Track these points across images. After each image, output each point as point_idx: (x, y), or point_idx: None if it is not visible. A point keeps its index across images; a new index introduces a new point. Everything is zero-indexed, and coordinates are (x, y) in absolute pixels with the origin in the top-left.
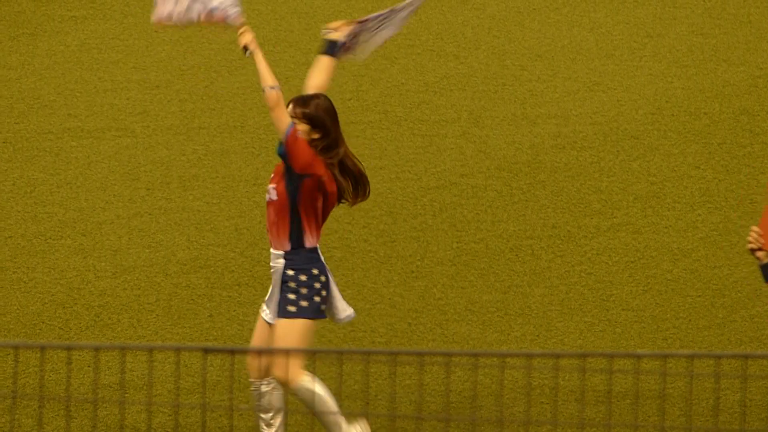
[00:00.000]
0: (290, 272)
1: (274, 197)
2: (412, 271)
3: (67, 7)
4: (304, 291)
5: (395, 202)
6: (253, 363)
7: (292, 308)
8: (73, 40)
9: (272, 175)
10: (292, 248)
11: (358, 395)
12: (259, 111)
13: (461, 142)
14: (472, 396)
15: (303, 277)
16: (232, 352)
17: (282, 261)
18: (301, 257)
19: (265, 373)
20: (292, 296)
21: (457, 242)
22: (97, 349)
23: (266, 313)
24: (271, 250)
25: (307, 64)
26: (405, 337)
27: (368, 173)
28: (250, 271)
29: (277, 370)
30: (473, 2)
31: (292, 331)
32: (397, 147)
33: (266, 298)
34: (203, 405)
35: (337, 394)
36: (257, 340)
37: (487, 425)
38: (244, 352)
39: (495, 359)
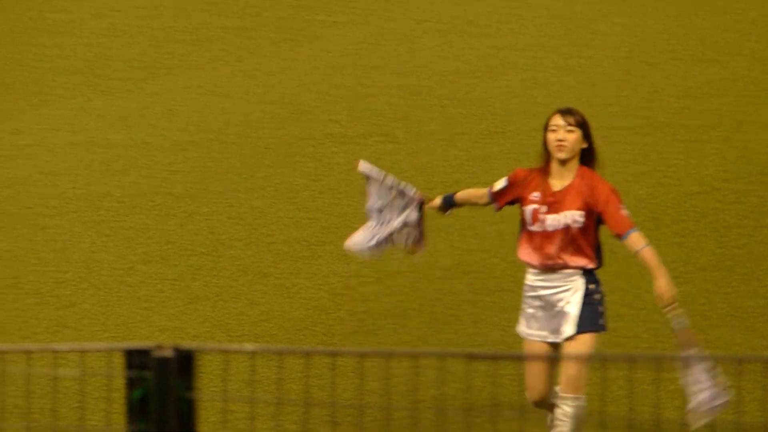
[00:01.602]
0: (592, 286)
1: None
2: (676, 277)
3: (328, 12)
4: (604, 304)
5: (657, 207)
6: (537, 387)
7: (602, 321)
8: (334, 45)
9: (541, 205)
10: (595, 265)
11: (622, 401)
12: (521, 116)
13: (723, 148)
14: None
15: (600, 291)
16: (496, 358)
17: (576, 279)
18: (595, 273)
19: (545, 395)
20: (601, 309)
21: (720, 247)
22: (361, 356)
23: (534, 335)
24: (546, 269)
25: (567, 69)
26: (669, 342)
27: (630, 179)
28: (513, 277)
29: (572, 382)
30: (733, 8)
31: (593, 344)
32: (659, 152)
33: (528, 321)
34: (466, 411)
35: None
36: (536, 367)
37: None
38: (508, 358)
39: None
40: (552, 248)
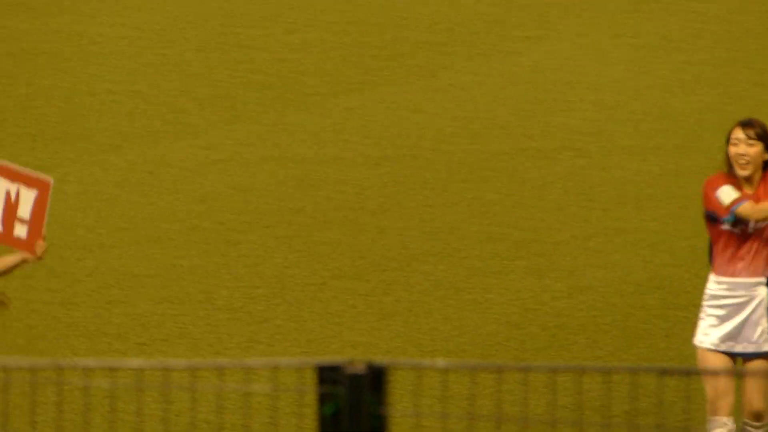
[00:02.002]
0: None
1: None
2: None
3: (521, 27)
4: None
5: None
6: (726, 400)
7: None
8: (527, 60)
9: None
10: None
11: None
12: (714, 131)
13: None
14: None
15: None
16: (689, 373)
17: (762, 288)
18: None
19: (729, 409)
20: None
21: None
22: (553, 371)
23: (716, 345)
24: (735, 279)
25: (762, 84)
26: None
27: None
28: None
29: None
30: None
31: None
32: None
33: (715, 331)
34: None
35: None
36: (723, 379)
37: None
38: (701, 373)
39: None
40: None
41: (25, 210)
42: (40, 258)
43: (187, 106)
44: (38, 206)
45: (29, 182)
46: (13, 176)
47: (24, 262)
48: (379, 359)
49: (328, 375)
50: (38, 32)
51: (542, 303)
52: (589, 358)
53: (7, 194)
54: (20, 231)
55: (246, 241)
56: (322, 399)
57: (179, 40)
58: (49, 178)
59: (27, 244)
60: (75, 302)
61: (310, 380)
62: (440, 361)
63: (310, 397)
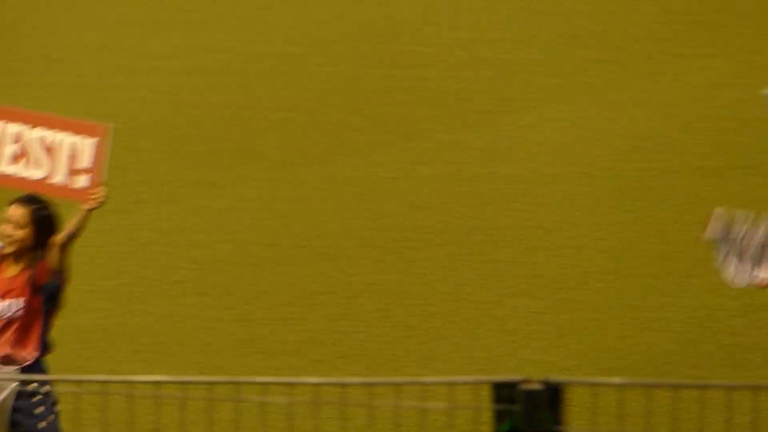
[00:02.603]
0: None
1: None
2: None
3: (692, 45)
4: None
5: None
6: None
7: None
8: (699, 78)
9: None
10: None
11: None
12: None
13: None
14: None
15: None
16: None
17: None
18: None
19: None
20: None
21: None
22: (730, 389)
23: None
24: None
25: None
26: None
27: None
28: None
29: None
30: None
31: None
32: None
33: None
34: None
35: None
36: None
37: None
38: None
39: None
40: None
41: (85, 160)
42: (95, 205)
43: (360, 124)
44: (98, 153)
45: (89, 131)
46: (73, 128)
47: (87, 212)
48: (555, 377)
49: (504, 393)
50: (212, 50)
51: (718, 321)
52: (765, 376)
53: (72, 147)
54: (82, 182)
55: (421, 258)
56: (499, 417)
57: (353, 58)
58: (108, 125)
59: (85, 194)
60: (251, 319)
61: (486, 398)
62: (616, 379)
63: (486, 414)
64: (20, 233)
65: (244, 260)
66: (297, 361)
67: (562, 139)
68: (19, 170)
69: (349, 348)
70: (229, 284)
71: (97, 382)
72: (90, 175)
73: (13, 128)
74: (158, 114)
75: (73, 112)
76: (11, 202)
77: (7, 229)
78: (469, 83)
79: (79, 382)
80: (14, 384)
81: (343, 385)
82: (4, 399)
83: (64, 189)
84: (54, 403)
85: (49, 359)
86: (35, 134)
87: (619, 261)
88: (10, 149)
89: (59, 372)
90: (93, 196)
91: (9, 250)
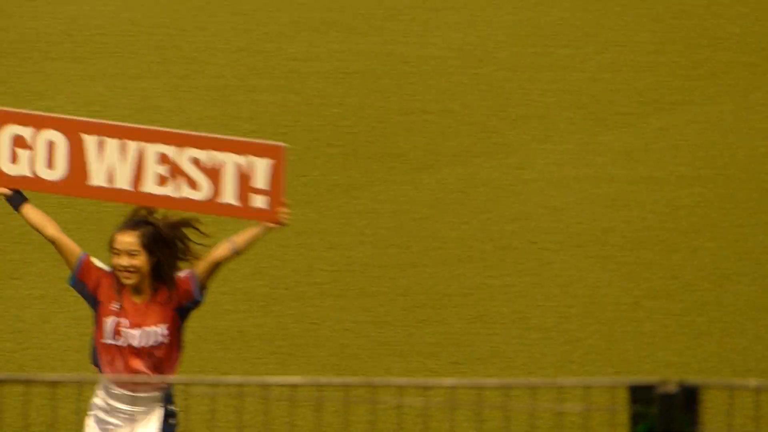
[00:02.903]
0: None
1: None
2: None
3: None
4: None
5: None
6: None
7: None
8: None
9: None
10: None
11: None
12: None
13: None
14: None
15: None
16: None
17: None
18: None
19: None
20: None
21: None
22: None
23: None
24: None
25: None
26: None
27: None
28: None
29: None
30: None
31: None
32: None
33: None
34: None
35: None
36: None
37: None
38: None
39: None
40: None
41: (261, 180)
42: (284, 224)
43: (498, 126)
44: (275, 174)
45: (260, 152)
46: (241, 149)
47: (267, 230)
48: (692, 379)
49: (640, 395)
50: (350, 52)
51: None
52: None
53: (238, 167)
54: (259, 202)
55: (558, 260)
56: (635, 419)
57: (491, 60)
58: (282, 144)
59: (269, 214)
60: (388, 321)
61: (623, 400)
62: (753, 381)
63: (622, 416)
64: (137, 261)
65: (381, 262)
66: (433, 363)
67: (701, 141)
68: (170, 192)
69: (486, 350)
70: (365, 286)
71: (233, 384)
72: (268, 195)
73: (155, 149)
74: (296, 116)
75: (212, 114)
76: (115, 233)
77: (122, 261)
78: (607, 85)
79: (215, 384)
80: (161, 408)
81: (479, 387)
82: (152, 422)
83: (238, 209)
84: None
85: (185, 361)
86: (185, 155)
87: (757, 263)
88: (154, 171)
89: (195, 373)
90: (279, 217)
91: (130, 282)
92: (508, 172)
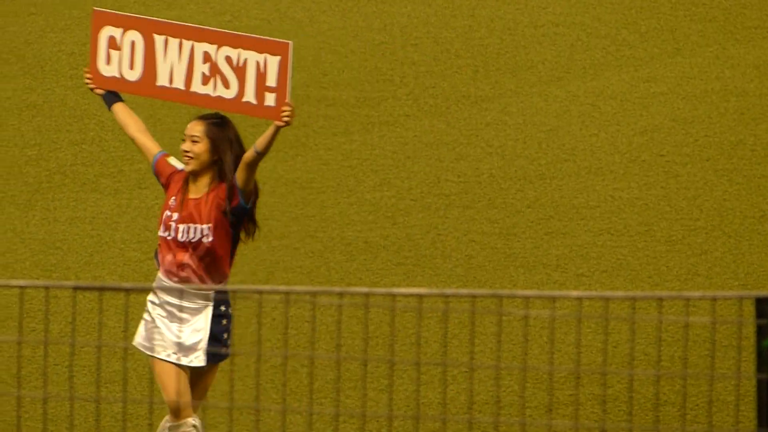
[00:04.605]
0: None
1: None
2: None
3: None
4: None
5: None
6: None
7: None
8: None
9: None
10: None
11: None
12: None
13: None
14: None
15: None
16: None
17: None
18: None
19: None
20: None
21: None
22: None
23: None
24: None
25: None
26: None
27: None
28: None
29: None
30: None
31: None
32: None
33: None
34: None
35: None
36: None
37: None
38: None
39: None
40: None
41: (271, 78)
42: (288, 123)
43: (629, 38)
44: (281, 71)
45: (272, 49)
46: (257, 46)
47: (277, 129)
48: None
49: (766, 308)
50: None
51: None
52: None
53: (257, 65)
54: (270, 100)
55: (686, 173)
56: (761, 331)
57: None
58: (287, 42)
59: (275, 112)
60: (514, 233)
61: (749, 313)
62: None
63: (749, 329)
64: (197, 148)
65: (509, 174)
66: (559, 275)
67: None
68: (209, 90)
69: (612, 262)
70: (493, 197)
71: (360, 294)
72: (276, 93)
73: (201, 48)
74: (426, 27)
75: (343, 25)
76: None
77: (185, 145)
78: None
79: (342, 294)
80: (210, 306)
81: (606, 299)
82: (203, 319)
83: (255, 108)
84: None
85: (311, 270)
86: (222, 54)
87: None
88: (200, 70)
89: (322, 284)
90: (283, 115)
91: (188, 168)
92: (637, 85)
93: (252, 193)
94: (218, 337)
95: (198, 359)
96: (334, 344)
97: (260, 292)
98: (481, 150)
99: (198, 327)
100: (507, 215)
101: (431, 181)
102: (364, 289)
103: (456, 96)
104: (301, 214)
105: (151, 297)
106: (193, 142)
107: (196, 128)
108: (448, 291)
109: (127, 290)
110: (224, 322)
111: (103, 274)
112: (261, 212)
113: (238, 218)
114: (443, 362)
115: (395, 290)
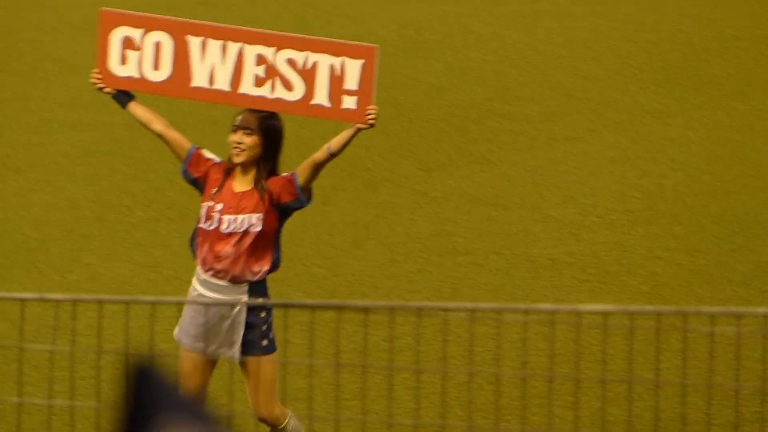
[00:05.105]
0: None
1: None
2: None
3: None
4: None
5: None
6: None
7: None
8: None
9: None
10: None
11: None
12: None
13: None
14: None
15: None
16: None
17: None
18: None
19: None
20: None
21: None
22: None
23: None
24: None
25: None
26: None
27: None
28: None
29: None
30: None
31: None
32: None
33: None
34: None
35: None
36: None
37: None
38: None
39: None
40: None
41: (352, 81)
42: (371, 125)
43: None
44: (365, 74)
45: (353, 53)
46: (335, 50)
47: (358, 131)
48: None
49: None
50: None
51: None
52: None
53: (331, 68)
54: (349, 103)
55: None
56: None
57: None
58: (375, 46)
59: (357, 114)
60: (699, 249)
61: None
62: None
63: None
64: (248, 140)
65: (693, 189)
66: (744, 291)
67: None
68: (265, 93)
69: None
70: (678, 214)
71: (545, 311)
72: (357, 96)
73: (253, 51)
74: (608, 41)
75: (525, 41)
76: (237, 114)
77: (235, 137)
78: None
79: (527, 311)
80: (244, 298)
81: None
82: (238, 312)
83: (328, 110)
84: (272, 322)
85: (496, 288)
86: (281, 56)
87: None
88: (251, 72)
89: (507, 300)
90: (367, 116)
91: (238, 159)
92: None
93: (310, 190)
94: (255, 327)
95: (234, 353)
96: (520, 361)
97: (445, 309)
98: (665, 166)
99: (236, 320)
100: (692, 231)
101: (615, 197)
102: (550, 306)
103: (639, 111)
104: (485, 231)
105: (191, 289)
106: (246, 134)
107: (250, 120)
108: (633, 308)
109: (312, 307)
110: (263, 314)
111: (289, 291)
112: (445, 228)
113: (289, 213)
114: (629, 379)
115: (580, 307)
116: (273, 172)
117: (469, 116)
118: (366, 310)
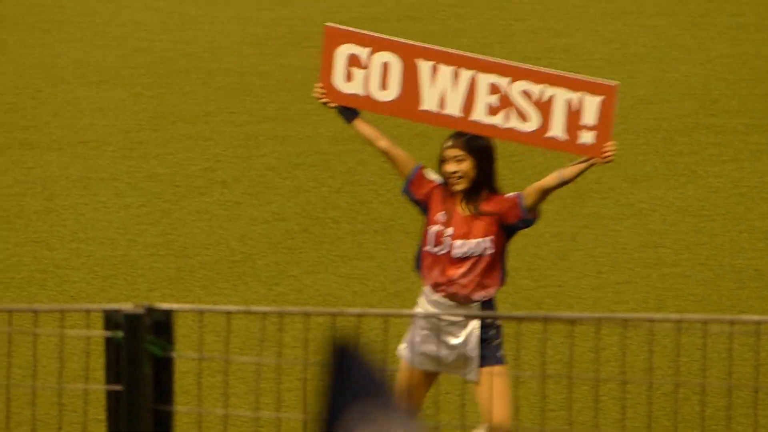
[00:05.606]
0: None
1: None
2: None
3: None
4: None
5: None
6: None
7: None
8: None
9: None
10: None
11: None
12: None
13: None
14: None
15: None
16: None
17: None
18: None
19: None
20: None
21: None
22: None
23: None
24: None
25: None
26: None
27: None
28: None
29: None
30: None
31: None
32: None
33: None
34: None
35: None
36: None
37: None
38: None
39: None
40: None
41: (590, 116)
42: (609, 160)
43: None
44: (604, 111)
45: (593, 89)
46: (574, 86)
47: (592, 165)
48: None
49: None
50: None
51: None
52: None
53: (569, 103)
54: (586, 138)
55: None
56: None
57: None
58: (614, 83)
59: (594, 149)
60: None
61: None
62: None
63: None
64: (463, 167)
65: None
66: None
67: None
68: (498, 121)
69: None
70: None
71: (751, 322)
72: (595, 131)
73: (487, 79)
74: (736, 72)
75: (732, 53)
76: (443, 143)
77: (449, 167)
78: None
79: (733, 322)
80: (478, 321)
81: None
82: (472, 332)
83: (563, 143)
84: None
85: (702, 298)
86: (516, 88)
87: None
88: (484, 100)
89: (713, 312)
90: (605, 152)
91: (459, 187)
92: None
93: (535, 213)
94: (488, 341)
95: (470, 372)
96: (725, 372)
97: (651, 320)
98: None
99: (468, 339)
100: None
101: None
102: (756, 317)
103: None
104: (691, 242)
105: (417, 309)
106: (458, 161)
107: (459, 147)
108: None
109: (519, 319)
110: (492, 331)
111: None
112: (652, 239)
113: (515, 232)
114: None
115: None
116: (494, 189)
117: (675, 128)
118: (572, 322)
